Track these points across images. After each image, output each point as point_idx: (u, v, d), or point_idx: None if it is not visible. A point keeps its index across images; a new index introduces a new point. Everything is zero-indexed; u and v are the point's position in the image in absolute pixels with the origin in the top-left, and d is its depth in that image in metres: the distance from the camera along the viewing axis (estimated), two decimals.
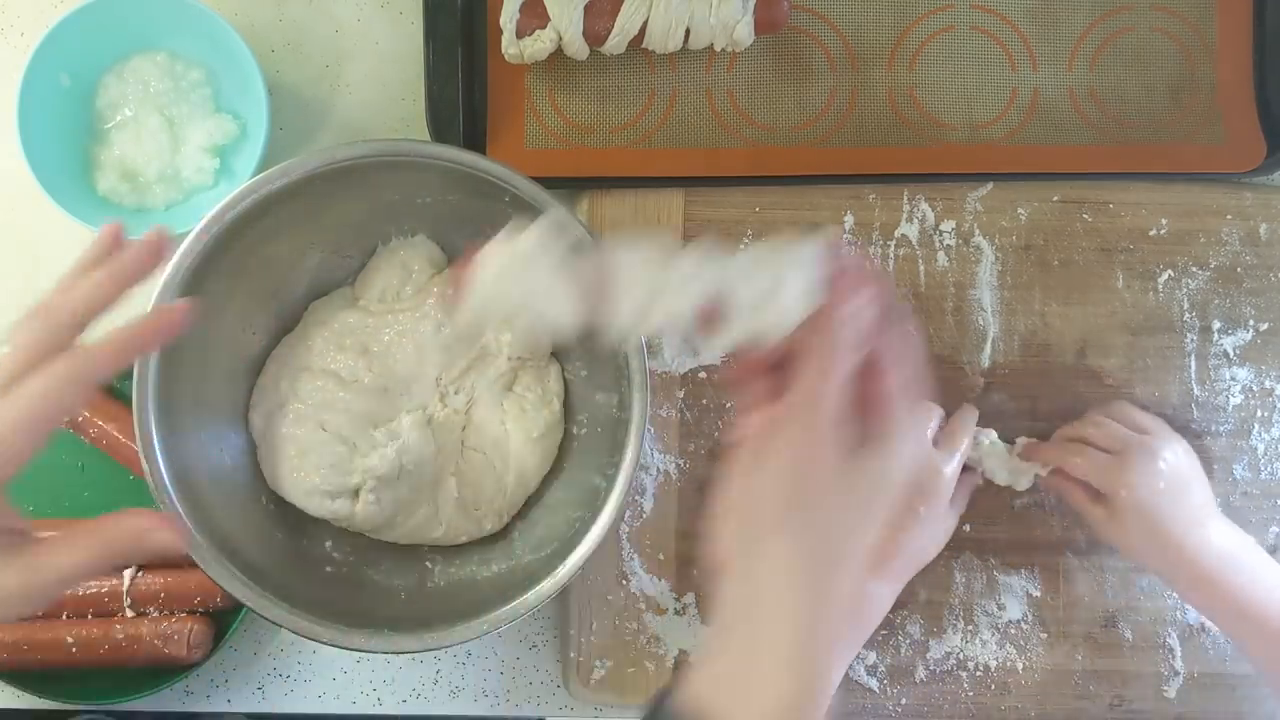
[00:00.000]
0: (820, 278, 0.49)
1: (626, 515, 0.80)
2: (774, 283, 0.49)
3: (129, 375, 0.67)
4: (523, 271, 0.51)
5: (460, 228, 0.77)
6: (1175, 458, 0.75)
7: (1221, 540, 0.73)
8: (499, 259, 0.52)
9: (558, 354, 0.80)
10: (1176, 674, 0.80)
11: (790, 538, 0.48)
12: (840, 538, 0.49)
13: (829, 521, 0.48)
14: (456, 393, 0.77)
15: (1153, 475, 0.73)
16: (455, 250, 0.79)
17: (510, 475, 0.77)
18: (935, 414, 0.78)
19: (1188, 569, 0.72)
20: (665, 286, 0.50)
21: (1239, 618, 0.71)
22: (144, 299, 0.67)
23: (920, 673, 0.80)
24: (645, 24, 0.78)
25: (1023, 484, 0.79)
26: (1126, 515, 0.73)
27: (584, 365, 0.78)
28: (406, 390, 0.76)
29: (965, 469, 0.78)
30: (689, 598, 0.80)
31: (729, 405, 0.81)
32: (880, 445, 0.49)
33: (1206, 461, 0.81)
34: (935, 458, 0.76)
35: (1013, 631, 0.80)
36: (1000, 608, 0.80)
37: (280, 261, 0.75)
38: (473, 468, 0.77)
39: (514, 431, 0.77)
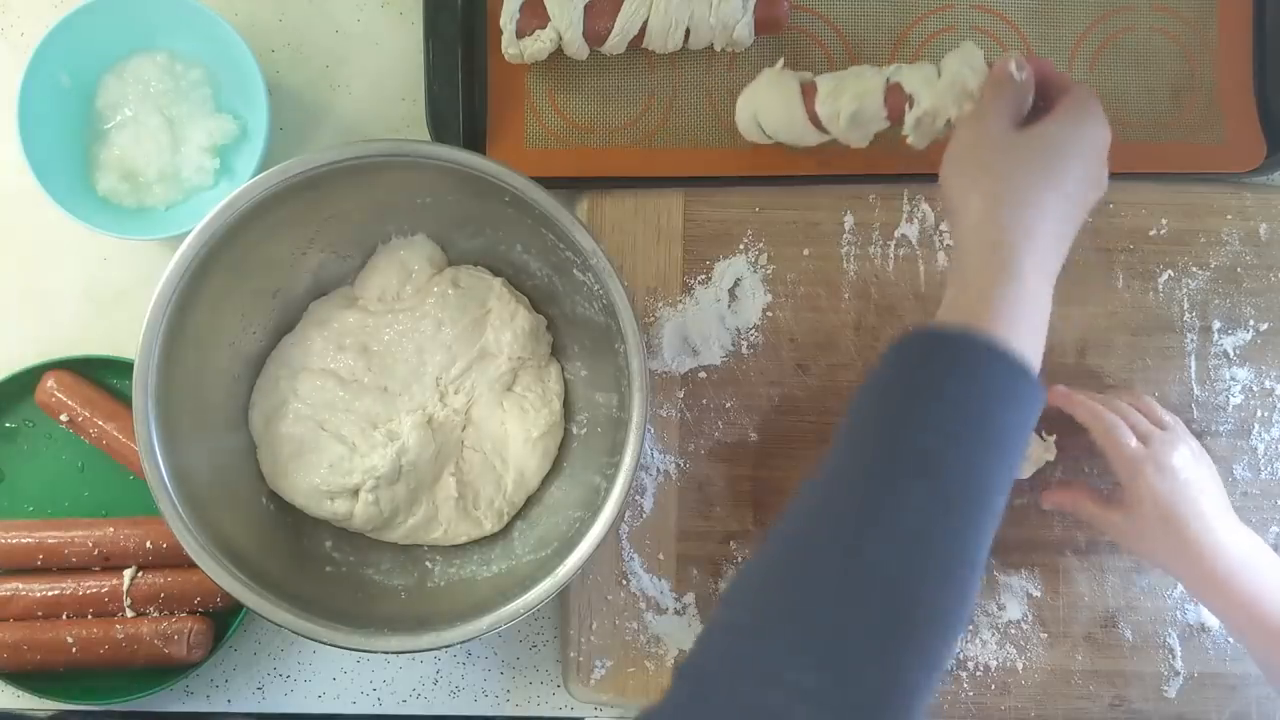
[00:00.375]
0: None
1: (626, 515, 0.80)
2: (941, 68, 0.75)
3: (129, 376, 0.67)
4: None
5: (460, 227, 0.77)
6: (1194, 455, 0.75)
7: (1236, 541, 0.73)
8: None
9: (557, 353, 0.80)
10: (1176, 674, 0.80)
11: (976, 192, 0.63)
12: (1019, 186, 0.62)
13: (1005, 174, 0.63)
14: (456, 392, 0.77)
15: (1173, 469, 0.73)
16: (455, 250, 0.79)
17: (510, 475, 0.77)
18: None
19: (1200, 568, 0.72)
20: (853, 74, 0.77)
21: (1247, 619, 0.71)
22: (144, 296, 0.67)
23: None
24: (645, 24, 0.78)
25: (1027, 470, 0.79)
26: (1144, 509, 0.73)
27: (584, 365, 0.78)
28: (406, 390, 0.76)
29: None
30: (689, 598, 0.80)
31: (729, 405, 0.81)
32: (1048, 118, 0.65)
33: None
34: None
35: (1013, 631, 0.80)
36: (1000, 608, 0.80)
37: (280, 261, 0.75)
38: (472, 468, 0.77)
39: (514, 431, 0.77)
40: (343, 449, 0.74)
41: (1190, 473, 0.74)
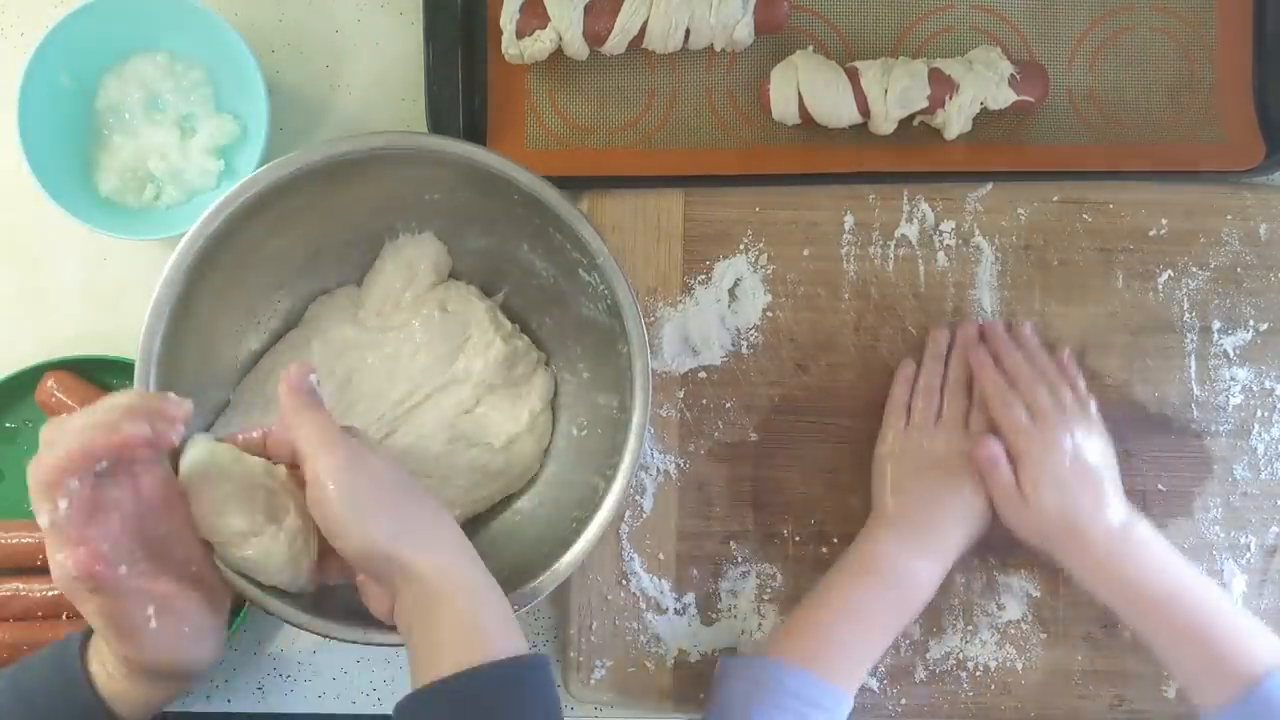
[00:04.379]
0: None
1: (626, 515, 0.80)
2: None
3: (129, 376, 0.66)
4: None
5: (469, 225, 0.76)
6: (1085, 440, 0.75)
7: (1117, 523, 0.73)
8: None
9: (558, 356, 0.79)
10: None
11: None
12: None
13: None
14: (406, 422, 0.76)
15: (1061, 453, 0.73)
16: (463, 249, 0.78)
17: (461, 481, 0.76)
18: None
19: (1086, 554, 0.72)
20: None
21: (1139, 599, 0.71)
22: (144, 296, 0.67)
23: (920, 673, 0.80)
24: (645, 24, 0.78)
25: None
26: (1028, 495, 0.73)
27: (586, 367, 0.78)
28: (362, 410, 0.76)
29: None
30: (689, 598, 0.80)
31: (729, 405, 0.81)
32: None
33: (1206, 462, 0.81)
34: (958, 441, 0.77)
35: (1013, 631, 0.80)
36: (1000, 608, 0.80)
37: (284, 257, 0.75)
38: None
39: (471, 442, 0.76)
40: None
41: (1080, 458, 0.74)
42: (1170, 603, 0.71)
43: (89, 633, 0.61)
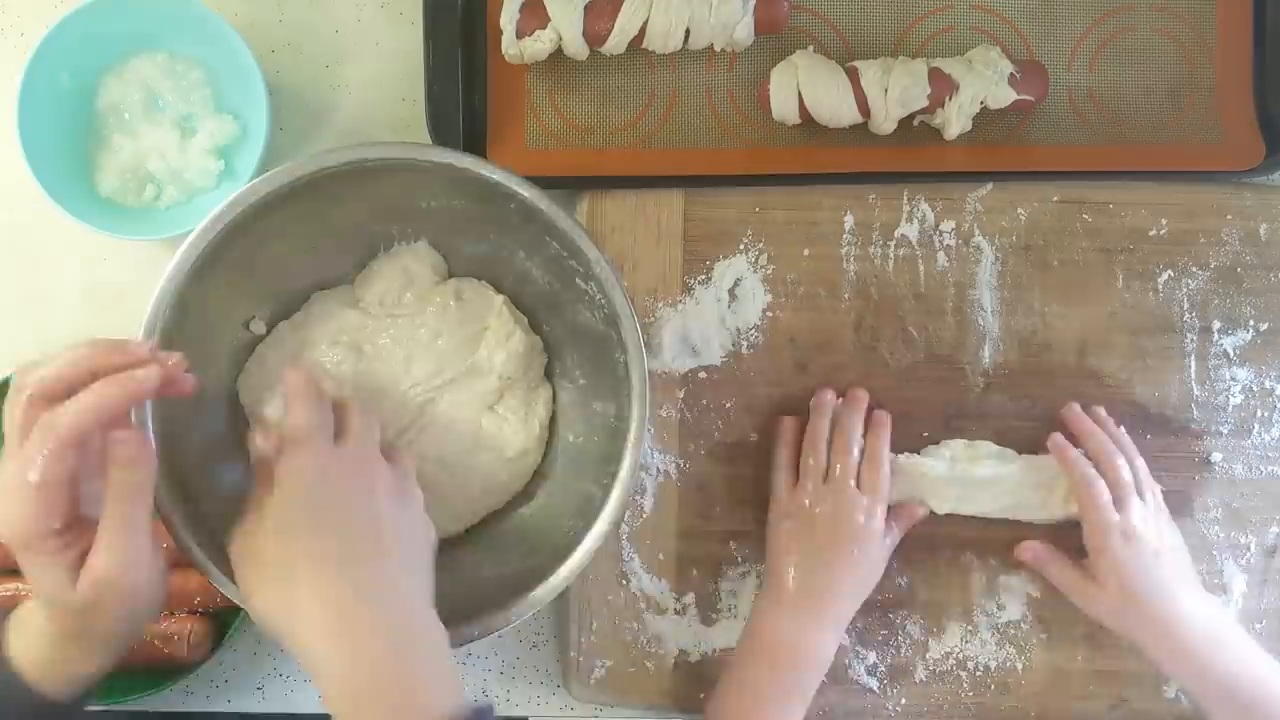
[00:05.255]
0: None
1: (626, 515, 0.80)
2: None
3: None
4: None
5: (465, 232, 0.76)
6: (1162, 523, 0.75)
7: (1202, 612, 0.73)
8: None
9: (555, 363, 0.79)
10: None
11: None
12: None
13: None
14: (431, 401, 0.75)
15: (1140, 539, 0.73)
16: (458, 256, 0.78)
17: (476, 485, 0.76)
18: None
19: (1169, 642, 0.72)
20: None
21: (1226, 698, 0.70)
22: (144, 296, 0.67)
23: (920, 673, 0.80)
24: (645, 24, 0.78)
25: (1057, 511, 0.78)
26: (1108, 580, 0.73)
27: (583, 374, 0.77)
28: (384, 397, 0.75)
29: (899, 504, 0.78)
30: (689, 598, 0.80)
31: (729, 405, 0.81)
32: None
33: (1206, 462, 0.81)
34: (857, 503, 0.75)
35: (1013, 631, 0.80)
36: (1000, 608, 0.80)
37: (282, 262, 0.74)
38: (438, 471, 0.76)
39: (487, 447, 0.76)
40: None
41: (1157, 542, 0.74)
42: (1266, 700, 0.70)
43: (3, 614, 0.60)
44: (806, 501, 0.76)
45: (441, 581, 0.76)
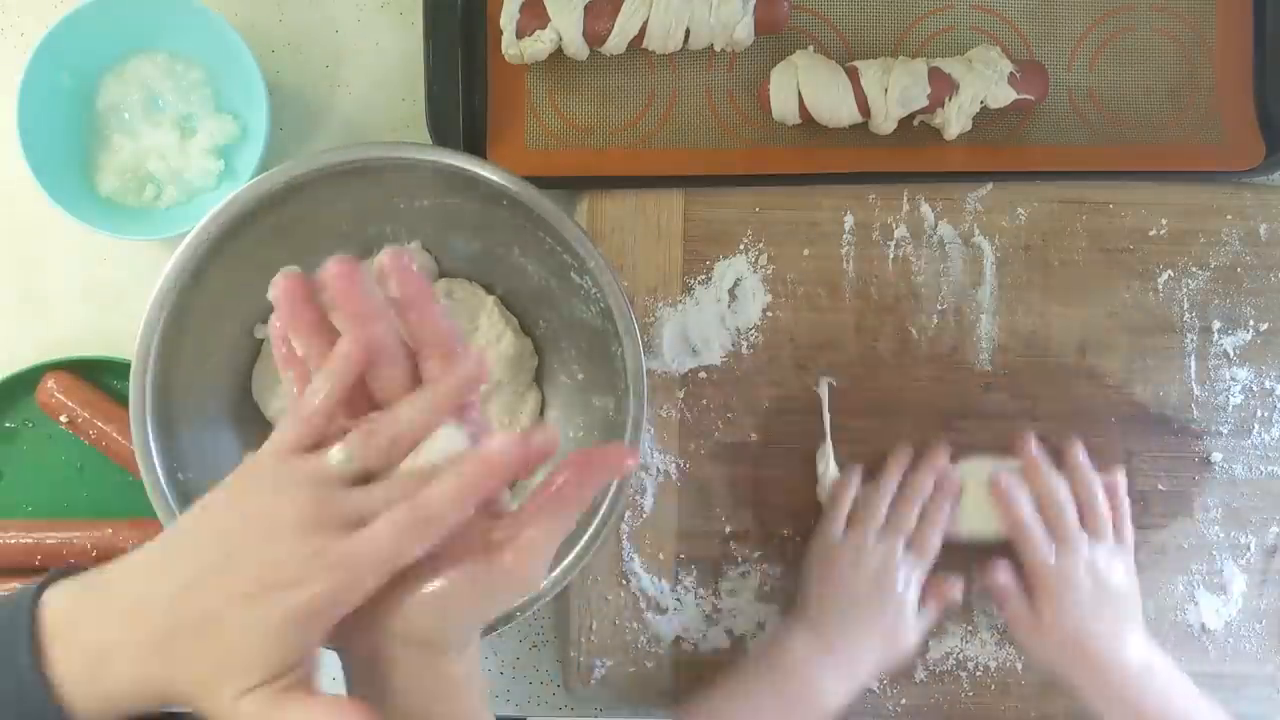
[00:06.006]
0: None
1: (626, 515, 0.80)
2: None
3: (128, 377, 0.67)
4: None
5: (459, 229, 0.76)
6: (1108, 563, 0.74)
7: (1138, 657, 0.73)
8: None
9: (551, 358, 0.79)
10: None
11: None
12: None
13: None
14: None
15: (1079, 585, 0.73)
16: (453, 253, 0.78)
17: None
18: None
19: (1108, 689, 0.72)
20: None
21: None
22: (144, 296, 0.67)
23: (920, 673, 0.80)
24: (645, 24, 0.78)
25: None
26: (1046, 621, 0.73)
27: (581, 369, 0.77)
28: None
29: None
30: (689, 598, 0.80)
31: (729, 405, 0.81)
32: None
33: (1206, 462, 0.81)
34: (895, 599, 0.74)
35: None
36: (1000, 608, 0.80)
37: (279, 262, 0.74)
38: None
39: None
40: None
41: (1095, 587, 0.73)
42: None
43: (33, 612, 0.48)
44: (855, 551, 0.75)
45: None
